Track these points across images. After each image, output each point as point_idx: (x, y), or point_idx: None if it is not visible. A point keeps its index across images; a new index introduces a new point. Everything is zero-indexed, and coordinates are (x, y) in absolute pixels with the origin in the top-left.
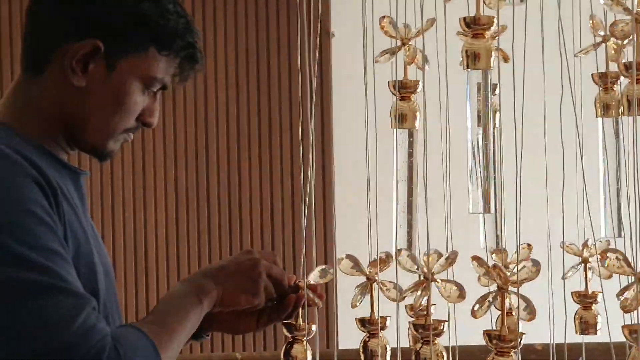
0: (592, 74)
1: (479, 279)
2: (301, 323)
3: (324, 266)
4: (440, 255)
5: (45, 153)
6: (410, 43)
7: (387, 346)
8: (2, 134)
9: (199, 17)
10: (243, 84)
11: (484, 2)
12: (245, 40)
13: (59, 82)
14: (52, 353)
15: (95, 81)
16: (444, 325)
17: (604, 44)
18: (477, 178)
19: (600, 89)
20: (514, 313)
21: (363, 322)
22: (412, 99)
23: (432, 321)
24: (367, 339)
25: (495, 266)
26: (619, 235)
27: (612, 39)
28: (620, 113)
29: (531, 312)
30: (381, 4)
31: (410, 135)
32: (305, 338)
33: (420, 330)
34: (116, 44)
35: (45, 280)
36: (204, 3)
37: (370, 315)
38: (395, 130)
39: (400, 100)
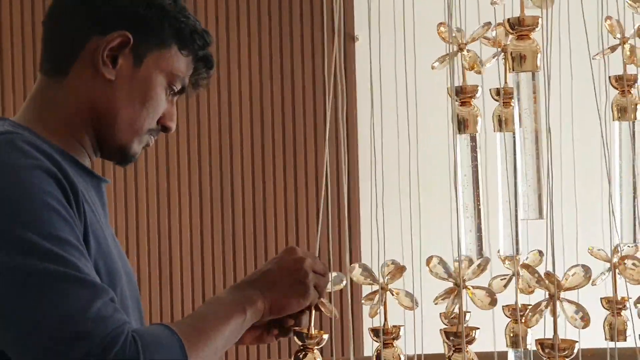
0: (609, 77)
1: (489, 285)
2: (313, 332)
3: (335, 273)
4: (471, 261)
5: (67, 158)
6: (467, 48)
7: (401, 356)
8: (24, 135)
9: (223, 23)
10: (267, 89)
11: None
12: (269, 45)
13: (87, 78)
14: (65, 342)
15: (123, 76)
16: (475, 333)
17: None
18: (530, 182)
19: (617, 92)
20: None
21: (376, 332)
22: (472, 104)
23: (464, 328)
24: (381, 349)
25: (548, 274)
26: (635, 241)
27: (630, 41)
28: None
29: (585, 319)
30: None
31: (473, 140)
32: (316, 347)
33: (452, 338)
34: (143, 38)
35: (58, 269)
36: (228, 10)
37: (384, 325)
38: (455, 135)
39: (460, 105)
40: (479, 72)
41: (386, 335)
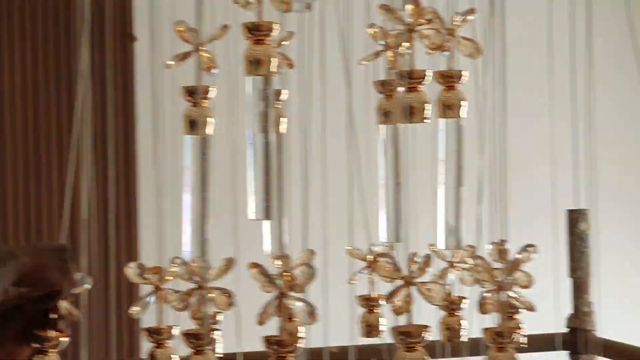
0: (373, 82)
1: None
2: (52, 334)
3: (80, 274)
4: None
5: None
6: (203, 48)
7: (174, 356)
8: None
9: None
10: (42, 88)
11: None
12: (44, 45)
13: None
14: None
15: None
16: (214, 334)
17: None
18: (257, 184)
19: (382, 96)
20: (297, 318)
21: (150, 332)
22: (205, 105)
23: (206, 330)
24: (154, 350)
25: (284, 272)
26: (399, 240)
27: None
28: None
29: (312, 316)
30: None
31: (203, 141)
32: (52, 350)
33: (192, 340)
34: None
35: None
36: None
37: (158, 324)
38: (188, 136)
39: (193, 106)
40: (212, 74)
41: (160, 336)
